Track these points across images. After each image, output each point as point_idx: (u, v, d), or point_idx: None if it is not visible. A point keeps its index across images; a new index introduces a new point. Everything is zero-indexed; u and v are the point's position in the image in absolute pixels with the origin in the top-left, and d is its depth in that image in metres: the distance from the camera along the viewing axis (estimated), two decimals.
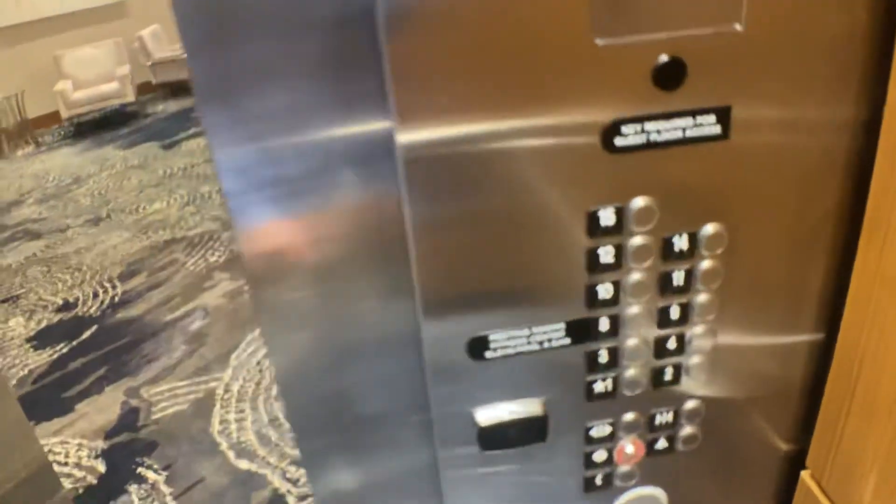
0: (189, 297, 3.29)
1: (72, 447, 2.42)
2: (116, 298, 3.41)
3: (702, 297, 0.76)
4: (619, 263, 0.71)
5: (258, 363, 2.72)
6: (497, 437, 0.78)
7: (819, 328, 0.80)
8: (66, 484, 2.26)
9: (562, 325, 0.74)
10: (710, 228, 0.71)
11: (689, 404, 0.84)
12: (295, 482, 2.11)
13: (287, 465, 2.19)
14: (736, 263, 0.74)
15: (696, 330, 0.77)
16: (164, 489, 2.18)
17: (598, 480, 0.87)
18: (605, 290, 0.72)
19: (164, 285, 3.45)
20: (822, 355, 0.82)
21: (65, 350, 3.02)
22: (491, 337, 0.73)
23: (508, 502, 0.88)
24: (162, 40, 7.37)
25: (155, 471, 2.26)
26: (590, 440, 0.83)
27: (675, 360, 0.79)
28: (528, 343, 0.74)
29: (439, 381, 0.76)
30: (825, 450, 0.84)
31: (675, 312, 0.75)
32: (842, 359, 0.77)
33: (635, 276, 0.72)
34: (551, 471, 0.86)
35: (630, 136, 0.65)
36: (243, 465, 2.22)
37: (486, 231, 0.69)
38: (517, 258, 0.70)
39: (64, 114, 6.53)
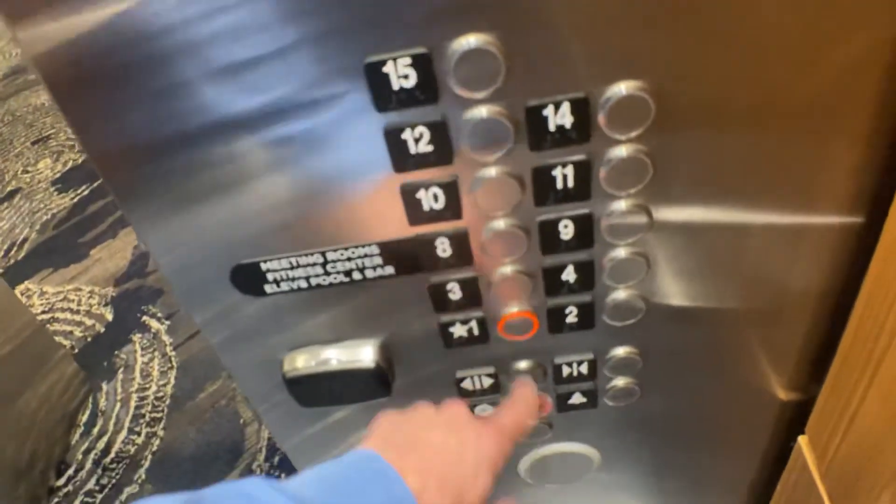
0: None
1: (84, 294, 2.38)
2: None
3: (616, 206, 0.46)
4: (447, 155, 0.42)
5: None
6: (317, 392, 0.55)
7: (848, 211, 0.47)
8: (77, 332, 2.24)
9: (375, 249, 0.47)
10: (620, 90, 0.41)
11: (618, 352, 0.57)
12: None
13: None
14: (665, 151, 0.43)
15: (612, 254, 0.48)
16: (165, 339, 2.12)
17: None
18: (431, 198, 0.44)
19: None
20: (841, 275, 0.52)
21: (86, 192, 2.93)
22: (264, 266, 0.47)
23: None
24: None
25: (158, 319, 2.19)
26: (464, 393, 0.59)
27: (580, 297, 0.51)
28: (328, 273, 0.48)
29: (212, 323, 0.52)
30: (828, 428, 0.56)
31: (567, 231, 0.46)
32: (870, 304, 0.47)
33: (484, 173, 0.43)
34: None
35: None
36: None
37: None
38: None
39: None
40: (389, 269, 0.48)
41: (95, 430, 1.91)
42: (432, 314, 0.51)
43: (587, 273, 0.49)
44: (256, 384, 0.58)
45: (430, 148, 0.41)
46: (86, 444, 1.88)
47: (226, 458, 1.73)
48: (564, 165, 0.43)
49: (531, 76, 0.40)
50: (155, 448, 1.81)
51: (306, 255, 0.47)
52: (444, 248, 0.46)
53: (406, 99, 0.39)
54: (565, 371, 0.57)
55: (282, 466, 1.67)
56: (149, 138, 0.40)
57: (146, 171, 0.42)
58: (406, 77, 0.39)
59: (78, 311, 2.34)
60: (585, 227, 0.46)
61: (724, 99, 0.41)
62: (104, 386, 2.03)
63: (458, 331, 0.53)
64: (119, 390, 2.00)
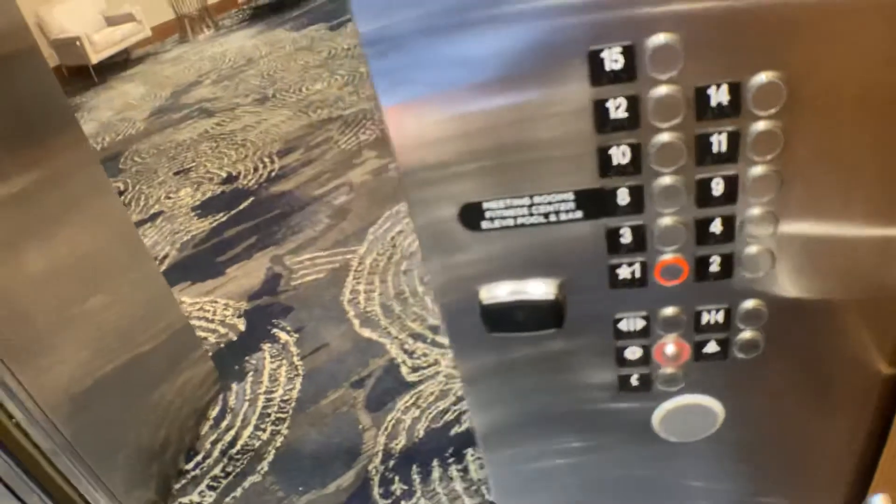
0: (338, 174, 3.38)
1: (219, 306, 2.63)
2: (273, 173, 3.58)
3: (756, 170, 0.60)
4: (635, 120, 0.58)
5: (392, 238, 2.76)
6: (503, 319, 0.70)
7: None
8: (211, 339, 2.47)
9: (571, 195, 0.62)
10: (762, 78, 0.56)
11: (748, 304, 0.70)
12: (411, 354, 2.16)
13: (406, 336, 2.24)
14: (801, 127, 0.58)
15: (750, 212, 0.63)
16: (294, 350, 2.32)
17: (635, 381, 0.77)
18: (620, 155, 0.60)
19: (317, 162, 3.57)
20: None
21: (223, 219, 3.25)
22: (485, 205, 0.64)
23: (536, 396, 0.81)
24: None
25: (287, 332, 2.41)
26: (619, 334, 0.72)
27: (722, 248, 0.65)
28: (531, 215, 0.64)
29: (434, 252, 0.68)
30: None
31: (717, 187, 0.61)
32: None
33: (661, 138, 0.59)
34: (581, 366, 0.77)
35: None
36: (366, 333, 2.30)
37: (469, 71, 0.57)
38: (509, 109, 0.59)
39: None
40: (579, 213, 0.63)
41: (224, 424, 2.10)
42: (603, 257, 0.66)
43: (730, 226, 0.63)
44: (456, 320, 0.72)
45: (624, 115, 0.57)
46: (214, 436, 2.08)
47: (344, 459, 1.87)
48: (720, 133, 0.58)
49: (700, 65, 0.55)
50: (278, 444, 1.98)
51: (518, 197, 0.63)
52: (623, 197, 0.61)
53: (614, 77, 0.55)
54: (704, 318, 0.69)
55: (397, 470, 1.80)
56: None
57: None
58: (616, 61, 0.55)
59: (213, 321, 2.59)
60: (732, 186, 0.60)
61: (838, 91, 0.55)
62: (234, 386, 2.24)
63: (624, 272, 0.67)
64: (248, 391, 2.21)
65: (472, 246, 0.66)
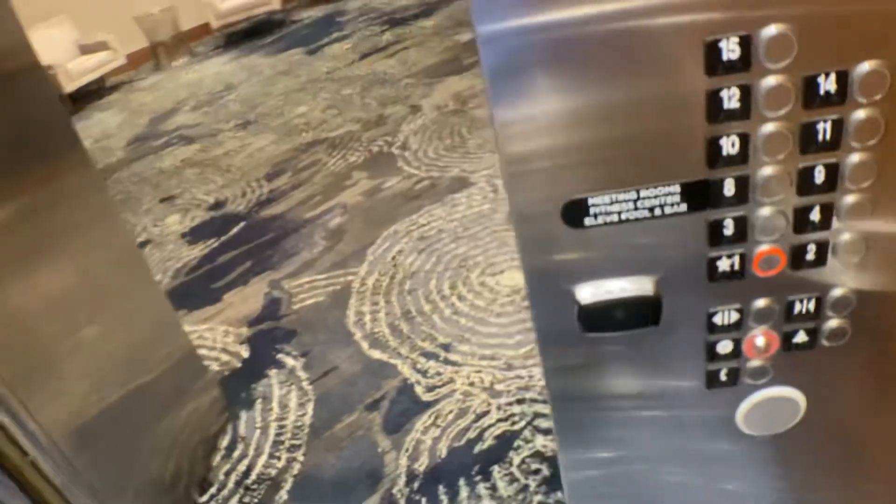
0: (329, 196, 3.36)
1: (219, 333, 2.58)
2: (262, 197, 3.55)
3: (854, 157, 0.60)
4: (746, 110, 0.58)
5: (392, 258, 2.74)
6: (601, 318, 0.69)
7: None
8: (213, 367, 2.42)
9: (677, 188, 0.62)
10: (866, 67, 0.56)
11: (837, 292, 0.70)
12: (424, 373, 2.13)
13: (417, 356, 2.21)
14: None
15: (846, 199, 0.63)
16: (301, 374, 2.28)
17: (723, 376, 0.76)
18: (729, 145, 0.59)
19: (307, 184, 3.55)
20: None
21: (215, 245, 3.20)
22: (590, 201, 0.63)
23: (620, 398, 0.80)
24: None
25: (293, 357, 2.37)
26: (713, 328, 0.72)
27: (819, 235, 0.65)
28: (636, 209, 0.63)
29: (532, 251, 0.67)
30: None
31: (819, 175, 0.61)
32: None
33: (769, 128, 0.59)
34: (667, 364, 0.76)
35: None
36: (375, 354, 2.27)
37: (579, 59, 0.57)
38: (619, 102, 0.58)
39: (214, 24, 6.78)
40: (683, 206, 0.62)
41: (236, 454, 2.05)
42: (703, 250, 0.65)
43: (828, 214, 0.63)
44: (549, 318, 0.71)
45: (737, 105, 0.56)
46: (227, 466, 2.02)
47: (366, 483, 1.83)
48: (825, 121, 0.58)
49: (810, 54, 0.55)
50: (295, 471, 1.94)
51: (625, 191, 0.62)
52: (729, 188, 0.61)
53: (729, 67, 0.55)
54: (795, 308, 0.69)
55: (422, 491, 1.77)
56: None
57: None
58: (732, 51, 0.55)
59: (214, 348, 2.54)
60: (832, 174, 0.60)
61: None
62: (243, 415, 2.18)
63: (723, 265, 0.66)
64: (258, 419, 2.16)
65: (571, 244, 0.65)
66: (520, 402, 1.96)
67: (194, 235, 3.34)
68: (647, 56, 0.55)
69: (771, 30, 0.54)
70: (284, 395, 2.21)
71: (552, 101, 0.57)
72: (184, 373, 2.03)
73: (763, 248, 0.65)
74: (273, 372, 2.32)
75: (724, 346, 0.72)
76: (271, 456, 2.01)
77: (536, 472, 1.75)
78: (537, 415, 1.91)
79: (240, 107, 4.99)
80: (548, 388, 0.78)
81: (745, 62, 0.55)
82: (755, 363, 0.74)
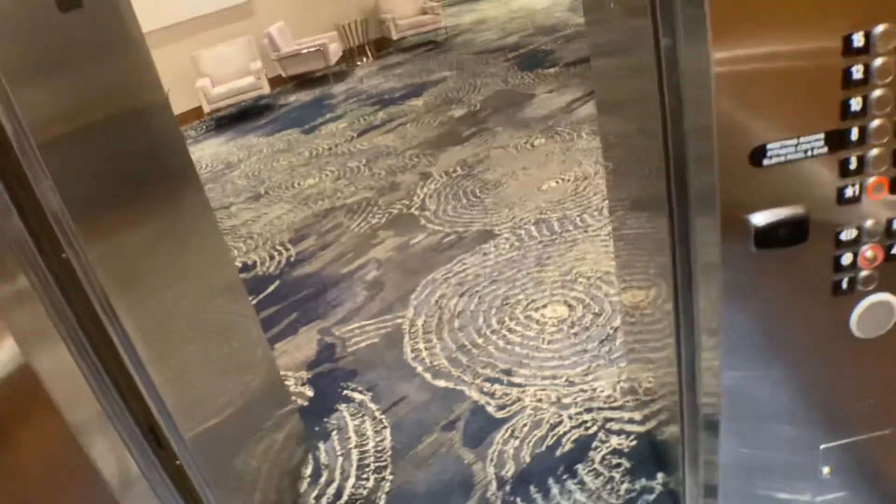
0: (360, 253, 3.57)
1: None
2: (291, 259, 3.73)
3: None
4: (867, 80, 0.87)
5: (436, 301, 2.94)
6: (769, 236, 0.94)
7: None
8: None
9: (822, 135, 0.89)
10: None
11: None
12: (492, 395, 2.31)
13: (481, 381, 2.39)
14: None
15: None
16: (372, 406, 2.43)
17: (844, 284, 1.01)
18: (855, 104, 0.88)
19: (334, 245, 3.75)
20: None
21: (254, 302, 3.35)
22: (768, 146, 0.89)
23: (773, 304, 1.03)
24: (287, 35, 7.81)
25: (360, 392, 2.52)
26: (839, 244, 0.98)
27: None
28: (796, 151, 0.90)
29: (725, 188, 0.92)
30: None
31: None
32: None
33: (878, 92, 0.88)
34: (806, 275, 1.01)
35: None
36: (440, 383, 2.44)
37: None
38: (795, 74, 0.85)
39: (206, 108, 7.05)
40: (825, 149, 0.88)
41: (322, 480, 2.17)
42: (834, 182, 0.90)
43: None
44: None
45: (860, 76, 0.84)
46: (315, 491, 2.13)
47: (460, 491, 1.97)
48: None
49: None
50: (387, 489, 2.07)
51: (790, 139, 0.87)
52: (854, 135, 0.88)
53: (857, 52, 0.83)
54: (894, 225, 0.95)
55: (515, 493, 1.92)
56: None
57: None
58: (859, 41, 0.82)
59: None
60: None
61: None
62: (321, 445, 2.31)
63: (848, 192, 0.90)
64: (337, 447, 2.29)
65: (750, 181, 0.91)
66: (588, 410, 2.15)
67: None
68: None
69: (880, 27, 0.82)
70: (359, 425, 2.35)
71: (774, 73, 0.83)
72: (272, 399, 2.16)
73: (873, 178, 0.91)
74: (342, 406, 2.47)
75: (847, 259, 0.98)
76: (359, 478, 2.14)
77: (618, 465, 1.93)
78: (607, 420, 2.10)
79: (246, 182, 5.21)
80: (724, 307, 1.01)
81: (866, 48, 0.83)
82: (865, 273, 0.99)
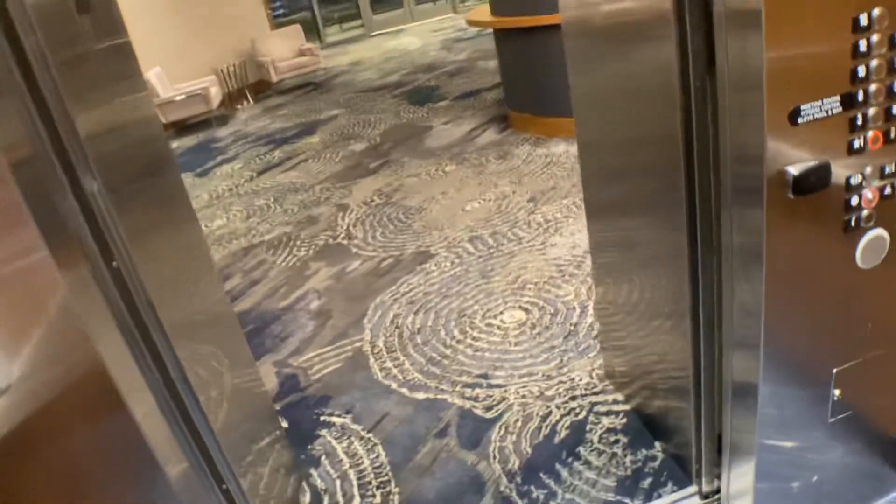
0: (295, 286, 3.54)
1: None
2: None
3: None
4: (869, 52, 1.08)
5: (392, 321, 2.98)
6: (803, 184, 1.12)
7: None
8: None
9: (837, 97, 1.09)
10: None
11: None
12: (475, 398, 2.38)
13: (461, 388, 2.46)
14: None
15: None
16: (355, 427, 2.42)
17: (853, 222, 1.21)
18: (861, 71, 1.09)
19: (263, 280, 3.69)
20: None
21: None
22: (802, 107, 1.08)
23: (798, 245, 1.22)
24: (165, 81, 7.60)
25: (338, 416, 2.50)
26: (848, 188, 1.18)
27: None
28: (821, 111, 1.09)
29: (770, 141, 1.09)
30: None
31: None
32: None
33: (876, 61, 1.09)
34: (823, 216, 1.20)
35: None
36: (420, 395, 2.48)
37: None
38: (807, 45, 1.05)
39: None
40: (840, 108, 1.07)
41: (325, 503, 2.15)
42: (845, 136, 1.10)
43: None
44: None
45: (865, 49, 1.03)
46: None
47: (472, 490, 2.02)
48: None
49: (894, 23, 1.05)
50: (397, 501, 2.08)
51: (816, 101, 1.06)
52: (861, 96, 1.07)
53: (863, 28, 1.02)
54: (886, 170, 1.15)
55: (527, 482, 1.99)
56: None
57: None
58: (864, 20, 1.02)
59: None
60: None
61: None
62: (313, 471, 2.28)
63: (855, 143, 1.09)
64: (332, 471, 2.26)
65: (787, 138, 1.08)
66: (573, 398, 2.28)
67: None
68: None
69: (877, 10, 1.03)
70: (348, 447, 2.35)
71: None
72: (263, 424, 2.12)
73: (871, 132, 1.12)
74: (324, 431, 2.45)
75: (854, 200, 1.18)
76: (364, 497, 2.13)
77: (616, 441, 2.06)
78: (594, 404, 2.23)
79: None
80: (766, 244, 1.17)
81: (869, 26, 1.03)
82: (866, 211, 1.20)
